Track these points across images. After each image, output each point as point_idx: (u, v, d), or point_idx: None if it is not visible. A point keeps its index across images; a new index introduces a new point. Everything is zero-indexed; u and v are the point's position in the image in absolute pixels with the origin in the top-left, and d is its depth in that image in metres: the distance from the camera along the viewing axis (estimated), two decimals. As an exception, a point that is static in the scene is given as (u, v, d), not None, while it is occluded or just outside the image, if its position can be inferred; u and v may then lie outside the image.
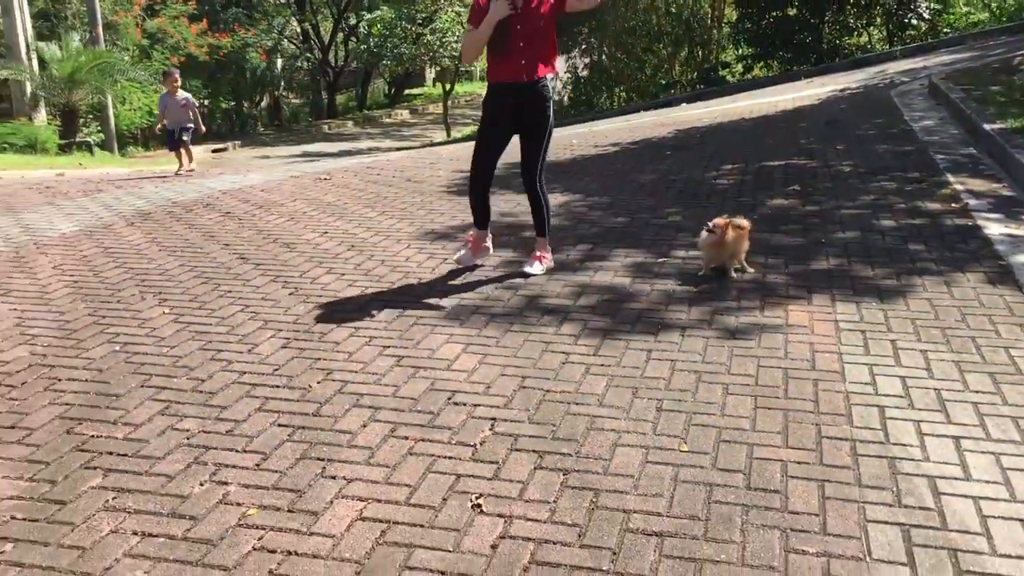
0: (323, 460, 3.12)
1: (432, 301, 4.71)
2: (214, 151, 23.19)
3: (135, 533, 2.71)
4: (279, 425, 3.38)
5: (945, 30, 19.65)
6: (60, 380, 3.79)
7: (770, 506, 2.79)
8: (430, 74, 43.76)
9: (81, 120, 22.64)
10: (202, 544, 2.66)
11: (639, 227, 6.10)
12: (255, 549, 2.63)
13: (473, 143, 5.08)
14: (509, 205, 6.95)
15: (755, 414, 3.38)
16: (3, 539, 2.69)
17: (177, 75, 10.87)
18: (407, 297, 4.78)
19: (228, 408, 3.52)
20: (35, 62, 22.09)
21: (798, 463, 3.03)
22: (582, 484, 2.94)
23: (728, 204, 6.55)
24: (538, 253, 5.06)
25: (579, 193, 7.30)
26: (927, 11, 19.62)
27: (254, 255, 5.70)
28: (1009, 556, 2.53)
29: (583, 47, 24.36)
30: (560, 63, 24.81)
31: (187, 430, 3.35)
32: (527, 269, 4.98)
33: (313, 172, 9.61)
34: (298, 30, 34.36)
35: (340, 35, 34.87)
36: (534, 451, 3.15)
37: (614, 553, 2.59)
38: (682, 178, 7.69)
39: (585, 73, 24.50)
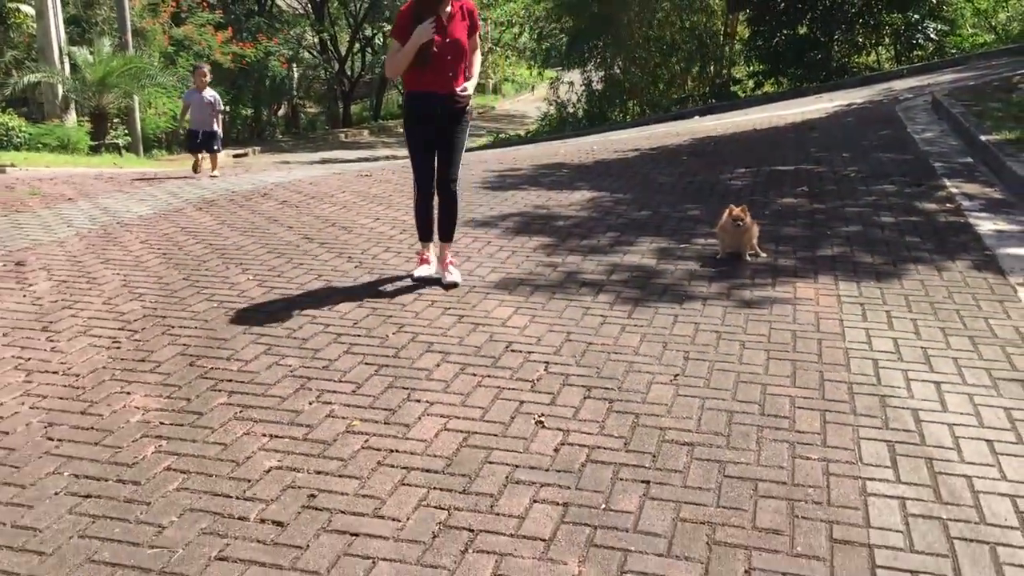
0: (407, 389, 3.75)
1: (481, 274, 5.34)
2: (235, 156, 23.94)
3: (264, 435, 3.35)
4: (365, 363, 4.02)
5: (952, 50, 20.28)
6: (174, 327, 4.44)
7: (780, 427, 3.41)
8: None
9: (108, 123, 23.37)
10: (319, 443, 3.29)
11: (661, 219, 6.72)
12: (363, 447, 3.26)
13: (466, 152, 5.50)
14: (541, 199, 7.58)
15: (768, 363, 4.00)
16: (158, 437, 3.33)
17: (207, 70, 10.12)
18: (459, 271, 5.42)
19: (321, 350, 4.16)
20: (67, 66, 22.85)
21: (804, 398, 3.65)
22: (624, 410, 3.56)
23: (742, 201, 7.17)
24: (449, 260, 5.13)
25: (604, 191, 7.93)
26: (934, 32, 20.27)
27: (317, 236, 6.34)
28: (973, 463, 3.14)
29: (597, 60, 25.10)
30: (575, 76, 25.58)
31: (289, 365, 3.99)
32: (452, 278, 5.05)
33: (355, 170, 10.27)
34: (316, 41, 35.14)
35: (356, 46, 35.62)
36: (583, 386, 3.78)
37: (653, 456, 3.21)
38: (698, 179, 8.32)
39: (599, 86, 25.22)
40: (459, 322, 4.54)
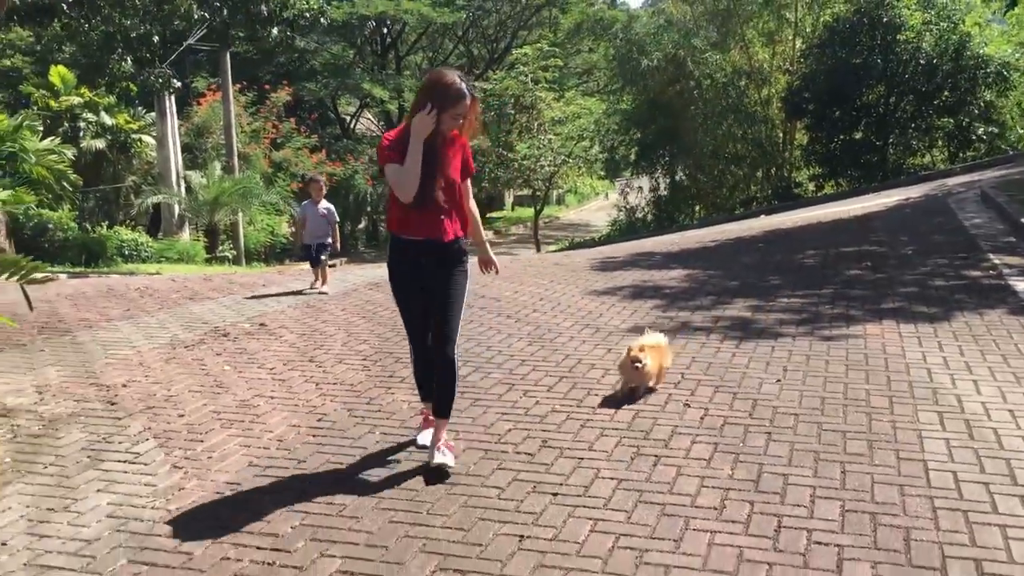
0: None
1: (615, 324, 6.85)
2: (328, 267, 26.09)
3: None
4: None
5: (1003, 148, 21.59)
6: (401, 357, 6.03)
7: (859, 406, 4.82)
8: (509, 198, 47.24)
9: (218, 238, 25.76)
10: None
11: (749, 287, 8.20)
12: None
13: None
14: (644, 276, 9.12)
15: (847, 371, 5.41)
16: (419, 414, 4.87)
17: (323, 183, 9.83)
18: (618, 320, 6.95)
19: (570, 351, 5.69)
20: (183, 188, 25.51)
21: (876, 391, 5.05)
22: (746, 397, 5.00)
23: (815, 274, 8.62)
24: (443, 440, 4.20)
25: (696, 269, 9.46)
26: (984, 134, 21.69)
27: (493, 304, 7.96)
28: (1000, 422, 4.51)
29: (664, 169, 27.03)
30: (644, 183, 27.51)
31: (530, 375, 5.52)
32: (440, 459, 4.11)
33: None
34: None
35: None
36: (713, 387, 5.23)
37: (770, 421, 4.63)
38: (775, 260, 9.81)
39: (666, 192, 27.07)
40: (608, 353, 6.04)
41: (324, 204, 9.46)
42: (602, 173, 32.56)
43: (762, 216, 19.43)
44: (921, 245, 9.91)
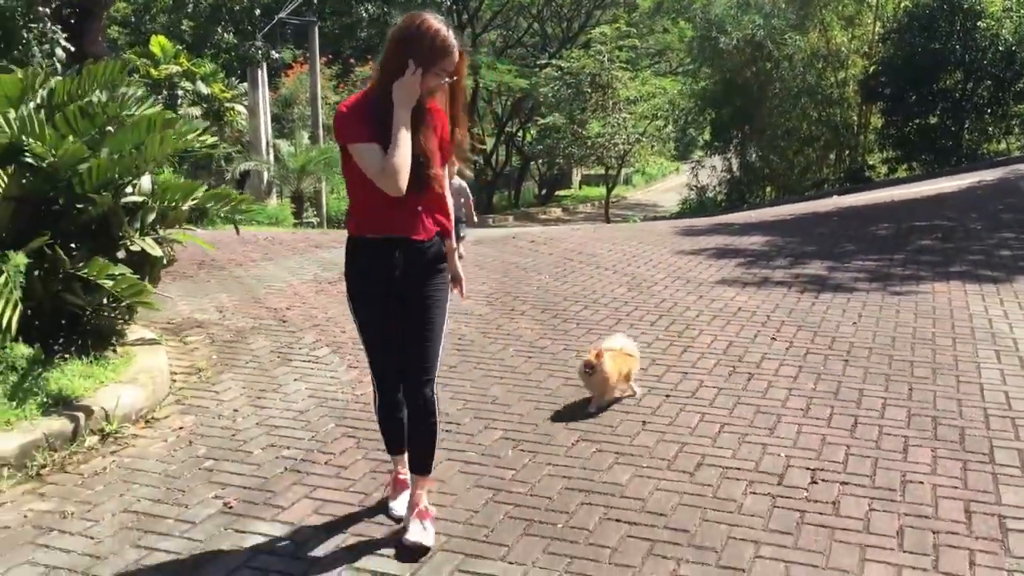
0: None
1: (705, 277, 7.64)
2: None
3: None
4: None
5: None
6: (519, 296, 6.93)
7: (925, 343, 5.56)
8: (576, 176, 47.87)
9: (303, 205, 26.99)
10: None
11: (825, 252, 8.90)
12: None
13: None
14: (726, 241, 9.86)
15: (915, 320, 6.14)
16: (491, 321, 5.75)
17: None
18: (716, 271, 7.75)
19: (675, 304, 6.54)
20: (272, 156, 26.79)
21: (941, 334, 5.77)
22: (821, 333, 5.77)
23: (887, 242, 9.27)
24: (422, 506, 3.28)
25: (774, 236, 10.17)
26: (1063, 121, 21.75)
27: (592, 259, 8.82)
28: (1049, 359, 5.23)
29: (737, 149, 27.46)
30: (717, 162, 28.00)
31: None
32: (415, 537, 3.17)
33: (568, 228, 12.79)
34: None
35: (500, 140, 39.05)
36: (795, 327, 6.01)
37: (848, 352, 5.40)
38: (849, 231, 10.46)
39: (739, 173, 27.52)
40: (700, 299, 6.85)
41: (457, 181, 8.22)
42: (674, 153, 33.03)
43: (834, 196, 19.87)
44: (990, 222, 10.46)
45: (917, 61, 20.74)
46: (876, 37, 23.84)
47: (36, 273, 4.23)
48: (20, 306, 4.01)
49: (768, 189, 27.03)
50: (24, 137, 4.20)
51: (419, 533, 3.18)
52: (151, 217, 4.92)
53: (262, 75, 26.06)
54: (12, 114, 4.39)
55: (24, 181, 4.17)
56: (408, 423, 3.27)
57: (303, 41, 29.91)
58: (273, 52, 21.33)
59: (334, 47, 33.80)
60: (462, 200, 8.23)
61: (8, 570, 3.06)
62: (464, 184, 8.52)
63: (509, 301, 6.86)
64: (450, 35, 2.96)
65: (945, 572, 3.02)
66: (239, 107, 28.51)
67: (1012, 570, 3.03)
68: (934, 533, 3.27)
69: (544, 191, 42.68)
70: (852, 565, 3.07)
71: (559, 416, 4.49)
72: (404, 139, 2.92)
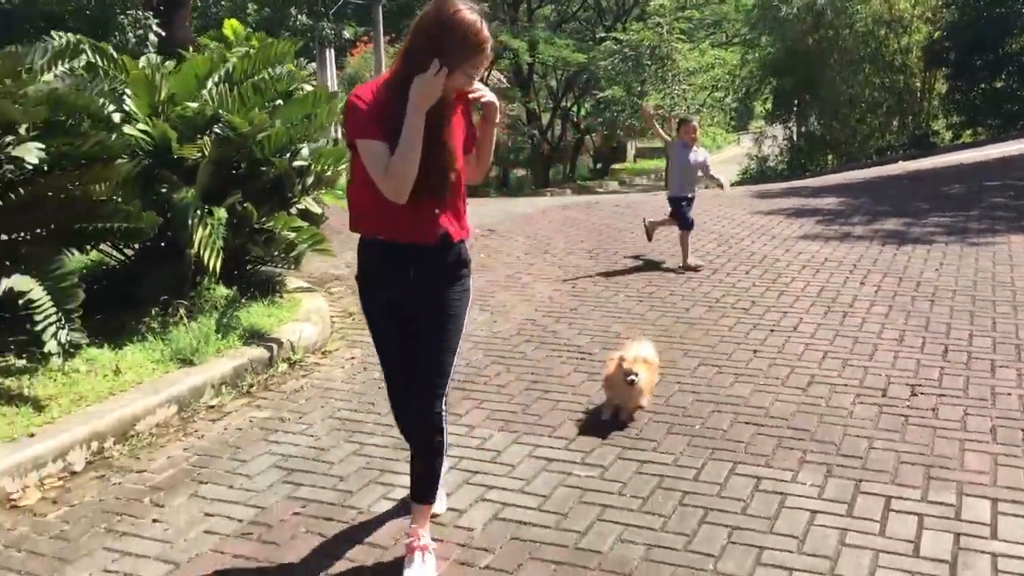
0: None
1: (789, 233, 8.14)
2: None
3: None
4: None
5: None
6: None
7: (1005, 288, 6.04)
8: (631, 150, 48.06)
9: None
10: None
11: (900, 210, 9.31)
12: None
13: None
14: (801, 203, 10.32)
15: (995, 267, 6.61)
16: (595, 274, 6.35)
17: (696, 123, 7.72)
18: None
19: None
20: (340, 133, 27.55)
21: (1020, 278, 6.24)
22: (907, 279, 6.28)
23: (960, 200, 9.66)
24: (422, 540, 2.92)
25: (847, 197, 10.59)
26: None
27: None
28: (1123, 296, 5.68)
29: (799, 117, 27.59)
30: (778, 131, 28.15)
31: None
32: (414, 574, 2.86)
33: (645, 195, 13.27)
34: (523, 111, 39.27)
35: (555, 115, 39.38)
36: (880, 273, 6.52)
37: (933, 294, 5.91)
38: (922, 191, 10.84)
39: (800, 142, 27.65)
40: (787, 252, 7.37)
41: (702, 152, 7.37)
42: (733, 124, 33.16)
43: (900, 161, 20.04)
44: (1061, 181, 10.76)
45: (982, 25, 20.73)
46: (940, 2, 23.77)
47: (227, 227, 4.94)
48: (222, 254, 4.73)
49: (830, 157, 27.12)
50: (220, 110, 4.90)
51: (419, 570, 2.85)
52: (310, 180, 5.62)
53: (330, 55, 26.84)
54: (203, 90, 5.10)
55: (220, 147, 4.86)
56: (419, 446, 2.94)
57: (364, 19, 30.58)
58: (343, 33, 22.03)
59: (395, 25, 34.52)
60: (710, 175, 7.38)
61: (253, 458, 3.78)
62: (707, 155, 7.41)
63: (610, 256, 7.46)
64: (485, 29, 2.59)
65: (1035, 457, 3.58)
66: (307, 86, 29.46)
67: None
68: (1023, 431, 3.82)
69: (599, 164, 43.03)
70: (953, 453, 3.64)
71: (675, 345, 5.09)
72: (413, 144, 2.57)
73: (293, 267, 5.67)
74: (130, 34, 13.37)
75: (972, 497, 3.28)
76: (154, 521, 3.27)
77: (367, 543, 3.09)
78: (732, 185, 11.68)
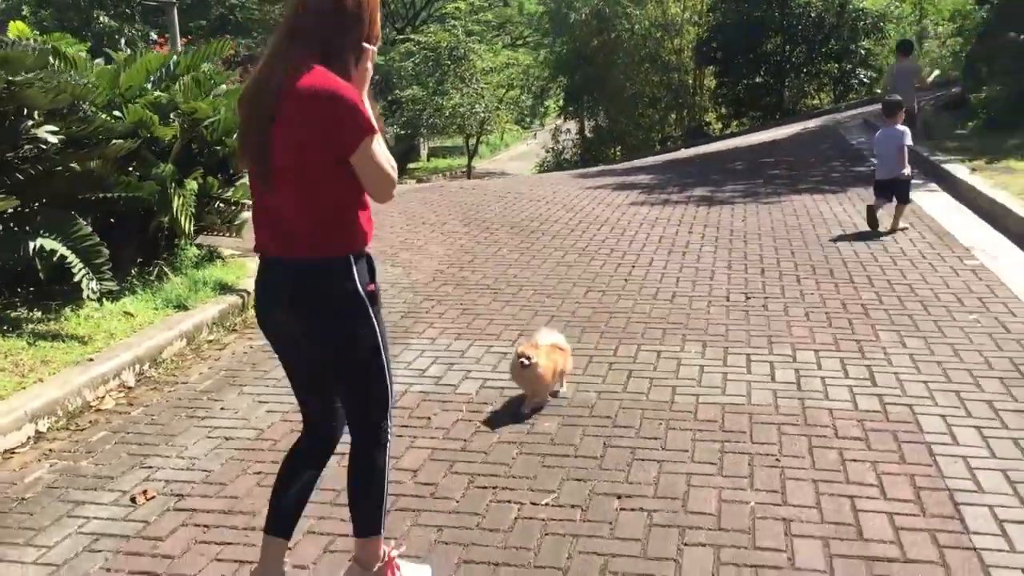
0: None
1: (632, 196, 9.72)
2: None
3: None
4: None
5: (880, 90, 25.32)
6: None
7: (797, 229, 7.84)
8: (424, 149, 49.50)
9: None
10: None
11: (701, 182, 11.16)
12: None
13: None
14: (620, 180, 12.03)
15: (784, 217, 8.44)
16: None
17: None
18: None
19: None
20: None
21: (806, 225, 8.06)
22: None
23: (746, 173, 11.68)
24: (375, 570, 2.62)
25: (655, 175, 12.41)
26: (865, 78, 25.34)
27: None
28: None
29: (588, 112, 30.05)
30: (572, 125, 30.46)
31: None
32: None
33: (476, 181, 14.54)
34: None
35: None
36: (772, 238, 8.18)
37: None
38: (713, 168, 12.87)
39: (590, 135, 30.13)
40: (624, 214, 8.92)
41: (899, 128, 7.47)
42: (528, 120, 35.36)
43: (682, 149, 22.62)
44: (820, 156, 13.13)
45: (742, 28, 23.73)
46: (706, 7, 26.81)
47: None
48: (193, 220, 5.56)
49: (619, 148, 29.76)
50: (179, 99, 5.70)
51: None
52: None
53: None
54: (147, 83, 5.86)
55: (186, 130, 5.66)
56: (350, 465, 2.63)
57: (157, 18, 30.07)
58: (152, 34, 21.91)
59: (185, 27, 33.86)
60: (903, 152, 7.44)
61: (272, 369, 4.72)
62: (906, 130, 7.47)
63: (481, 223, 8.72)
64: None
65: (836, 325, 5.19)
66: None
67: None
68: (826, 313, 5.45)
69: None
70: (783, 329, 5.20)
71: (564, 282, 6.42)
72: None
73: (235, 235, 6.49)
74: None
75: (801, 350, 4.82)
76: (222, 408, 4.20)
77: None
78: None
